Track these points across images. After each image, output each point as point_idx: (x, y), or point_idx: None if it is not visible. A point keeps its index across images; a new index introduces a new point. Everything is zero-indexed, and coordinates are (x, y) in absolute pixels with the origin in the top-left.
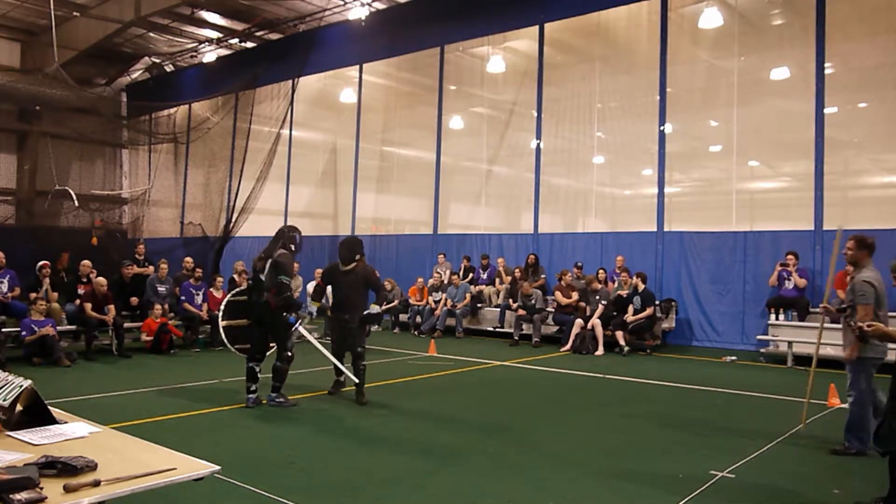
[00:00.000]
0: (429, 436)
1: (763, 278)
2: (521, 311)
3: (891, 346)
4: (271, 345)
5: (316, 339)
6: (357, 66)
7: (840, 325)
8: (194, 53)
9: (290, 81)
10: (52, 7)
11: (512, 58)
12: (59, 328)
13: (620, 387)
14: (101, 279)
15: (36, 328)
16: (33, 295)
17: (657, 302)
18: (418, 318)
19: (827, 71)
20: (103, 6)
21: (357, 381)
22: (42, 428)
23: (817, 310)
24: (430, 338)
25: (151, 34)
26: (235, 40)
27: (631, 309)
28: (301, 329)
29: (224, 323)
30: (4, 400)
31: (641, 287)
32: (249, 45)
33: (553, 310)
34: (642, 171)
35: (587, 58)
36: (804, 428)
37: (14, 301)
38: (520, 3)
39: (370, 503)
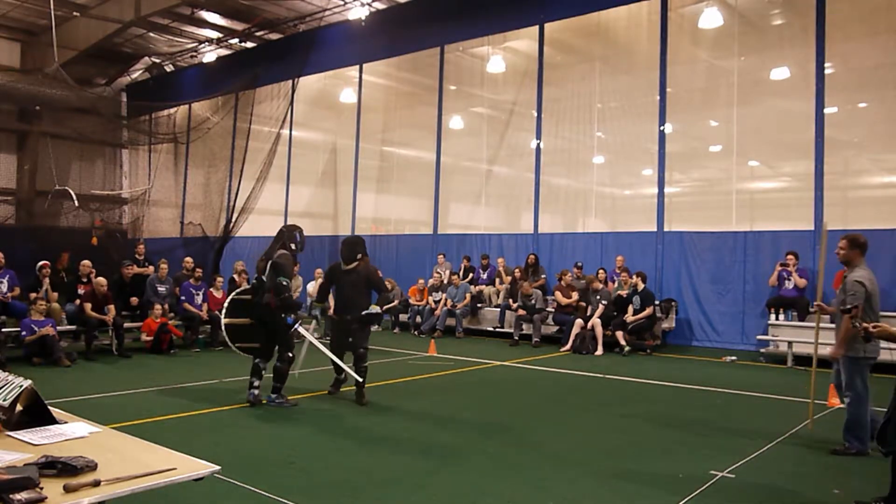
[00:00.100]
0: (429, 436)
1: (763, 278)
2: (521, 311)
3: (892, 346)
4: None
5: (316, 338)
6: (357, 66)
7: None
8: (194, 53)
9: (290, 81)
10: (52, 7)
11: (512, 58)
12: (59, 328)
13: (620, 387)
14: (101, 279)
15: (36, 328)
16: (33, 295)
17: (657, 302)
18: (418, 318)
19: (827, 71)
20: (103, 6)
21: (359, 379)
22: (42, 428)
23: (824, 309)
24: (430, 338)
25: (151, 34)
26: (235, 40)
27: (630, 309)
28: (300, 329)
29: (226, 321)
30: (4, 400)
31: (641, 286)
32: (249, 45)
33: (553, 310)
34: (642, 171)
35: (587, 58)
36: (811, 426)
37: (14, 301)
38: (520, 3)
39: (370, 503)
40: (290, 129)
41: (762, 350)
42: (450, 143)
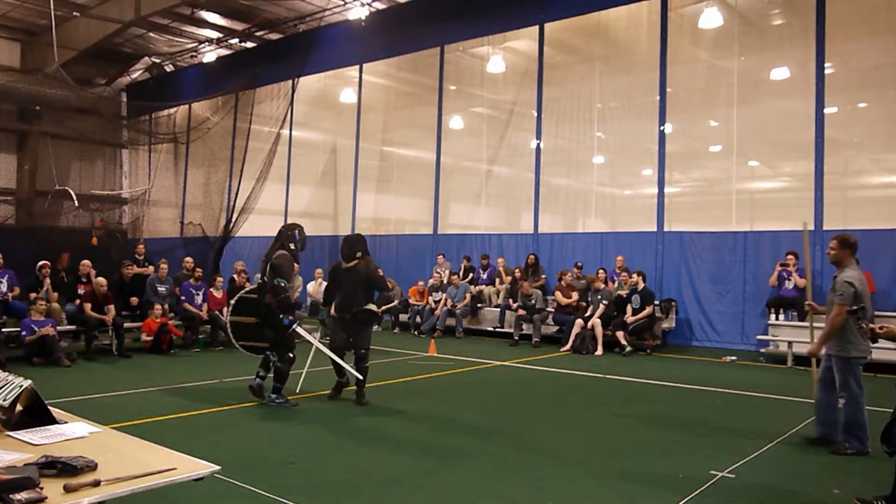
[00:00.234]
0: (429, 436)
1: (763, 278)
2: (521, 311)
3: (893, 346)
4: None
5: (316, 338)
6: (357, 66)
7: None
8: (194, 53)
9: (290, 81)
10: (52, 7)
11: (512, 58)
12: (59, 328)
13: (620, 387)
14: (101, 279)
15: (36, 328)
16: (33, 295)
17: (657, 302)
18: (418, 318)
19: (827, 71)
20: (103, 6)
21: (359, 377)
22: (42, 428)
23: (815, 309)
24: (430, 338)
25: (151, 34)
26: (235, 40)
27: (629, 308)
28: (299, 330)
29: (232, 318)
30: (4, 400)
31: (641, 285)
32: (249, 45)
33: (553, 310)
34: (642, 171)
35: (587, 58)
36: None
37: (14, 301)
38: (520, 3)
39: (370, 503)
40: (290, 129)
41: (762, 350)
42: (450, 143)
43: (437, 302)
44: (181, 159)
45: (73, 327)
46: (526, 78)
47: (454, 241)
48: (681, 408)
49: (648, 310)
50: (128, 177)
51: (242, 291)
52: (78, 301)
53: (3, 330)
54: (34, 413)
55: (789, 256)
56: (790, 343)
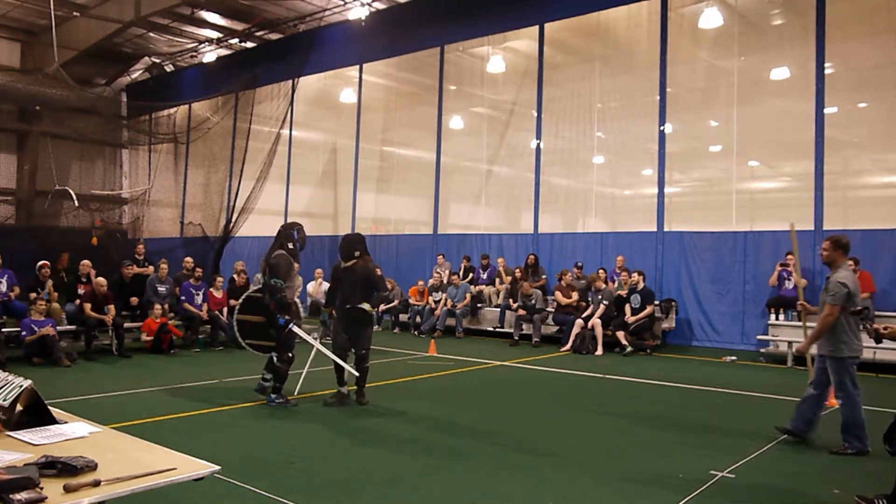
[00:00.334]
0: (429, 436)
1: (763, 278)
2: (521, 311)
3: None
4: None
5: (316, 339)
6: (357, 66)
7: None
8: (194, 53)
9: (290, 81)
10: (52, 7)
11: (512, 58)
12: (59, 328)
13: (620, 387)
14: (101, 279)
15: (36, 328)
16: (33, 295)
17: (657, 302)
18: (418, 318)
19: (827, 71)
20: (103, 6)
21: (355, 373)
22: (42, 428)
23: (807, 308)
24: (430, 338)
25: (151, 34)
26: (235, 40)
27: (628, 308)
28: (296, 329)
29: (239, 317)
30: (4, 400)
31: (641, 285)
32: (249, 45)
33: (553, 310)
34: (642, 171)
35: (587, 58)
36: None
37: (14, 301)
38: (520, 3)
39: (370, 503)
40: (290, 129)
41: (762, 350)
42: (450, 143)
43: (437, 302)
44: (181, 159)
45: (73, 327)
46: (526, 78)
47: (454, 241)
48: (681, 408)
49: (649, 309)
50: (128, 177)
51: (250, 290)
52: (78, 301)
53: (3, 330)
54: (34, 413)
55: (789, 256)
56: (790, 343)
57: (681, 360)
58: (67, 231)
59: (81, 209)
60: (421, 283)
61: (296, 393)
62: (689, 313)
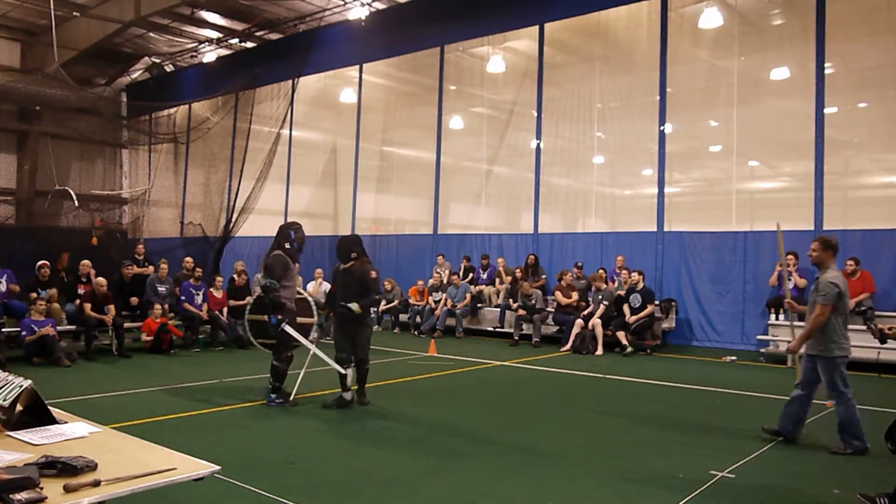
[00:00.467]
0: (429, 436)
1: (763, 278)
2: (521, 311)
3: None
4: (294, 344)
5: (311, 341)
6: (357, 66)
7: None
8: (194, 53)
9: (290, 81)
10: (52, 7)
11: (512, 58)
12: (59, 328)
13: (620, 387)
14: (101, 279)
15: (36, 328)
16: (33, 295)
17: (657, 301)
18: (418, 318)
19: (827, 71)
20: (103, 6)
21: (342, 372)
22: (42, 428)
23: (794, 307)
24: (430, 338)
25: (151, 34)
26: (235, 40)
27: (627, 308)
28: (288, 329)
29: (249, 317)
30: (4, 400)
31: (641, 284)
32: (249, 45)
33: (553, 310)
34: (642, 171)
35: (587, 58)
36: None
37: (14, 301)
38: (520, 3)
39: (370, 503)
40: (290, 129)
41: (762, 350)
42: (450, 143)
43: (437, 302)
44: (181, 159)
45: (73, 327)
46: (526, 78)
47: (454, 241)
48: (681, 408)
49: (650, 308)
50: (128, 177)
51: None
52: (78, 301)
53: (3, 330)
54: (34, 413)
55: (789, 256)
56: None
57: (681, 360)
58: (67, 231)
59: (81, 209)
60: (421, 283)
61: (295, 392)
62: (689, 313)
